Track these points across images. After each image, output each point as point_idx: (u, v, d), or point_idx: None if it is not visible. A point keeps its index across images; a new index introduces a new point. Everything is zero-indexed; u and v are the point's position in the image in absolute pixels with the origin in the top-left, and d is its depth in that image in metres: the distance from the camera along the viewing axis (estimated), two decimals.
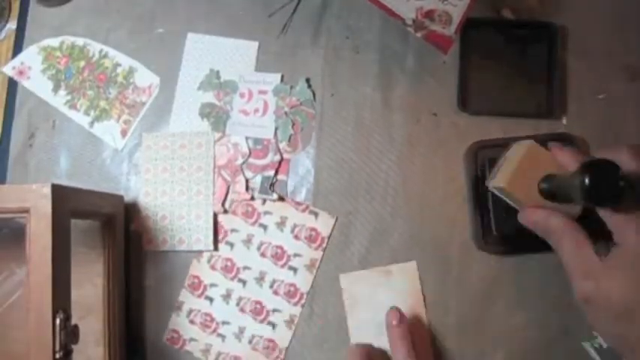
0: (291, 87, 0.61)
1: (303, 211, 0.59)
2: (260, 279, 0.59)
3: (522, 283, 0.56)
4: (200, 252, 0.60)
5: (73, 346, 0.45)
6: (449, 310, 0.57)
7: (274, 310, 0.59)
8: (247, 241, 0.60)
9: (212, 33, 0.64)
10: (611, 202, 0.39)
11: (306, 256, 0.59)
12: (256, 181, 0.60)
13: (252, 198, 0.60)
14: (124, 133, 0.64)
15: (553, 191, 0.45)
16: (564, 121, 0.58)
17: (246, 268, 0.60)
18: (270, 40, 0.63)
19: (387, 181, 0.59)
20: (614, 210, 0.40)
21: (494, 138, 0.57)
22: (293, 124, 0.61)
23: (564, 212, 0.45)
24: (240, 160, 0.61)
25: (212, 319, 0.60)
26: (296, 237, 0.59)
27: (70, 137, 0.64)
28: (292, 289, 0.59)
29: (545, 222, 0.45)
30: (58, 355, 0.43)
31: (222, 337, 0.59)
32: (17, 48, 0.67)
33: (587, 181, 0.37)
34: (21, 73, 0.66)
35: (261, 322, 0.59)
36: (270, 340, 0.59)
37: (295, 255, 0.59)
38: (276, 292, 0.59)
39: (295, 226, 0.59)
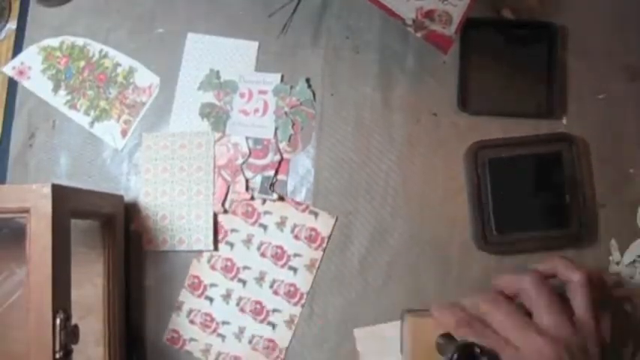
0: (291, 87, 0.61)
1: (303, 211, 0.59)
2: (260, 279, 0.59)
3: None
4: (200, 252, 0.60)
5: (73, 346, 0.45)
6: None
7: (274, 310, 0.59)
8: (247, 241, 0.60)
9: (212, 33, 0.64)
10: None
11: (306, 256, 0.59)
12: (256, 181, 0.60)
13: (252, 198, 0.60)
14: (124, 133, 0.64)
15: (443, 350, 0.46)
16: (564, 121, 0.58)
17: (246, 268, 0.60)
18: (270, 40, 0.63)
19: (387, 181, 0.59)
20: None
21: (494, 138, 0.57)
22: (293, 124, 0.61)
23: None
24: (240, 160, 0.61)
25: (212, 319, 0.60)
26: (296, 237, 0.59)
27: (70, 137, 0.64)
28: (292, 289, 0.59)
29: None
30: (58, 355, 0.43)
31: (222, 337, 0.59)
32: (17, 48, 0.67)
33: None
34: (21, 73, 0.66)
35: (261, 322, 0.59)
36: (270, 340, 0.59)
37: (295, 255, 0.59)
38: (276, 292, 0.59)
39: (295, 226, 0.59)
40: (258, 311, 0.59)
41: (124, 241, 0.60)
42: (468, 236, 0.57)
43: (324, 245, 0.59)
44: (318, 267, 0.59)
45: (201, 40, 0.64)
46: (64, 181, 0.62)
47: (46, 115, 0.65)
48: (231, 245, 0.60)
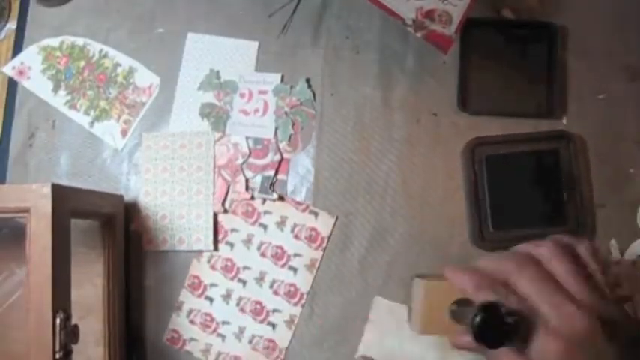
0: (291, 87, 0.61)
1: (303, 210, 0.59)
2: (260, 279, 0.59)
3: None
4: (200, 252, 0.60)
5: (73, 346, 0.45)
6: None
7: (274, 310, 0.59)
8: (247, 241, 0.60)
9: (212, 33, 0.64)
10: (497, 346, 0.38)
11: (306, 256, 0.59)
12: (256, 181, 0.60)
13: (252, 198, 0.60)
14: (124, 133, 0.64)
15: (460, 317, 0.42)
16: (564, 120, 0.58)
17: (246, 267, 0.60)
18: (270, 40, 0.63)
19: (387, 181, 0.59)
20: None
21: (491, 135, 0.57)
22: (293, 124, 0.61)
23: None
24: (240, 160, 0.61)
25: (212, 319, 0.60)
26: (296, 237, 0.59)
27: (70, 137, 0.64)
28: (292, 289, 0.59)
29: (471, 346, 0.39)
30: (58, 355, 0.43)
31: (222, 337, 0.59)
32: (17, 48, 0.67)
33: (477, 322, 0.35)
34: (21, 73, 0.66)
35: (261, 322, 0.59)
36: (270, 340, 0.59)
37: (295, 255, 0.59)
38: (276, 292, 0.59)
39: (295, 225, 0.59)
40: (258, 311, 0.59)
41: (124, 241, 0.60)
42: (467, 235, 0.57)
43: (324, 245, 0.59)
44: (318, 267, 0.59)
45: (201, 40, 0.64)
46: (64, 181, 0.62)
47: (46, 115, 0.65)
48: (231, 245, 0.60)
